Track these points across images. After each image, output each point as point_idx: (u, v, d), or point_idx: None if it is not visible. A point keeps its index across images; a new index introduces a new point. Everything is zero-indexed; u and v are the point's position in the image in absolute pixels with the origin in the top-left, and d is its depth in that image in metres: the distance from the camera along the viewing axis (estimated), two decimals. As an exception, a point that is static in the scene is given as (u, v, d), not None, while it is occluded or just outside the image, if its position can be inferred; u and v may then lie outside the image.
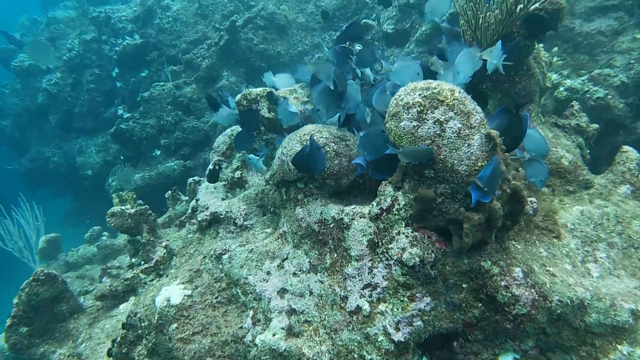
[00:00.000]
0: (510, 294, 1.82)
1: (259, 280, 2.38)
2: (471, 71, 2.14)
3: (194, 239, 3.03)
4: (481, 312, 1.88)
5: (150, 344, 2.31)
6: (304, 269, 2.26)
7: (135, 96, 7.75)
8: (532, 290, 1.83)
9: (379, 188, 2.07)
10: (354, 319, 1.96)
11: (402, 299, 1.90)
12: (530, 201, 2.11)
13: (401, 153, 1.83)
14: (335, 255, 2.15)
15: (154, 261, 2.93)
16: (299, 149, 2.20)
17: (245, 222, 2.85)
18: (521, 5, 2.44)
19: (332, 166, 2.26)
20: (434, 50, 2.92)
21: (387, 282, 1.93)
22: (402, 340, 1.85)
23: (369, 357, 1.87)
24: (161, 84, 7.05)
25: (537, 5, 2.52)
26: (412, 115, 1.83)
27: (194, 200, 3.46)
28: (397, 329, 1.87)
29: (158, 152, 7.01)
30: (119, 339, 2.39)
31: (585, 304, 1.86)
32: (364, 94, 3.06)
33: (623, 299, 1.92)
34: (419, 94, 1.84)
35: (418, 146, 1.82)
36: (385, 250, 1.96)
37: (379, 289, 1.94)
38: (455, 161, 1.78)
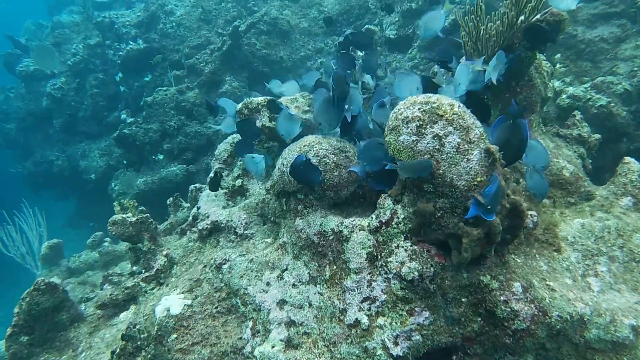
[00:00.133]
0: (509, 309, 1.81)
1: (258, 290, 2.38)
2: (467, 84, 2.14)
3: (194, 248, 3.04)
4: (480, 326, 1.88)
5: (149, 356, 2.32)
6: (304, 281, 2.27)
7: (138, 101, 7.80)
8: (532, 305, 1.83)
9: (379, 201, 2.07)
10: (352, 332, 1.96)
11: (400, 313, 1.89)
12: (530, 214, 2.10)
13: (400, 168, 1.83)
14: (335, 267, 2.15)
15: (154, 270, 2.94)
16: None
17: (245, 232, 2.85)
18: (522, 17, 2.44)
19: (331, 178, 2.26)
20: (435, 59, 2.94)
21: (386, 295, 1.93)
22: (401, 354, 1.85)
23: (368, 371, 1.87)
24: (164, 88, 7.09)
25: (538, 16, 2.52)
26: (411, 129, 1.83)
27: (195, 208, 3.47)
28: (396, 343, 1.86)
29: (161, 157, 7.04)
30: (118, 350, 2.40)
31: (585, 319, 1.85)
32: (365, 102, 3.07)
33: (624, 314, 1.91)
34: (418, 108, 1.85)
35: (417, 160, 1.82)
36: (384, 264, 1.96)
37: (377, 303, 1.94)
38: (454, 176, 1.78)
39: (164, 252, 3.00)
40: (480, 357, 1.92)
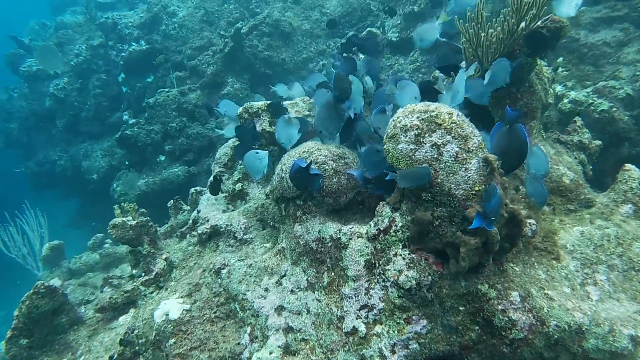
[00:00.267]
0: (507, 318, 1.81)
1: (257, 296, 2.38)
2: (464, 92, 2.14)
3: (194, 252, 3.05)
4: (478, 335, 1.87)
5: (147, 360, 2.33)
6: (302, 287, 2.27)
7: (141, 101, 7.82)
8: (530, 315, 1.82)
9: (377, 208, 2.07)
10: (350, 339, 1.96)
11: (398, 321, 1.89)
12: (529, 223, 2.09)
13: (399, 177, 1.83)
14: (333, 274, 2.15)
15: (154, 273, 2.95)
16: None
17: (245, 236, 2.86)
18: (523, 24, 2.43)
19: (330, 184, 2.26)
20: (435, 65, 2.94)
21: (383, 303, 1.93)
22: (398, 362, 1.85)
23: (365, 379, 1.87)
24: (166, 90, 7.10)
25: (539, 23, 2.52)
26: (409, 138, 1.83)
27: (195, 211, 3.48)
28: (393, 352, 1.86)
29: (162, 158, 7.06)
30: (116, 355, 2.41)
31: (583, 329, 1.84)
32: (366, 107, 3.06)
33: (622, 324, 1.90)
34: (417, 117, 1.85)
35: (416, 167, 1.82)
36: (382, 272, 1.96)
37: (375, 311, 1.94)
38: (452, 185, 1.77)
39: (164, 256, 3.01)
40: (477, 365, 1.91)
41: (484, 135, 1.97)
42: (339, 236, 2.13)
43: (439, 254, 1.92)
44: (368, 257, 2.02)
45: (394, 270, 1.91)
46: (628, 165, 2.63)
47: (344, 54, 5.72)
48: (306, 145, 2.41)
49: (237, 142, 3.25)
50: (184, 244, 3.23)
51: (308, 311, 2.17)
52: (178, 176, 6.74)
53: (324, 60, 7.91)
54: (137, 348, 2.39)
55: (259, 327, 2.29)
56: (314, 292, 2.20)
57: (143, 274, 3.03)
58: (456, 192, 1.77)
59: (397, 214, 1.99)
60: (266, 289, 2.39)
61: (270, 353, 2.11)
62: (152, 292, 2.91)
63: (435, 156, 1.79)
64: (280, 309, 2.27)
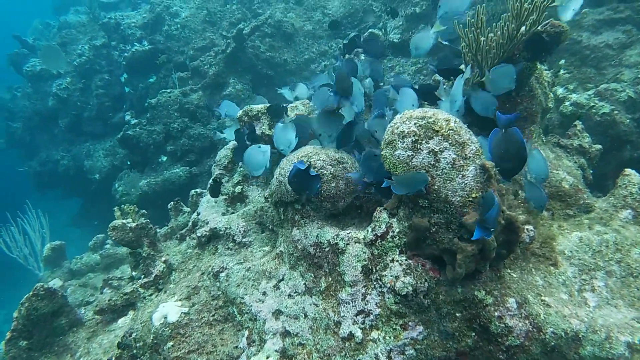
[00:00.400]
0: (503, 325, 1.81)
1: (254, 300, 2.39)
2: (462, 98, 2.15)
3: (193, 254, 3.06)
4: (475, 341, 1.87)
5: (145, 363, 2.34)
6: (300, 291, 2.27)
7: (143, 101, 7.84)
8: (526, 322, 1.82)
9: (374, 214, 2.07)
10: (346, 345, 1.96)
11: (394, 327, 1.90)
12: (527, 229, 2.09)
13: (396, 183, 1.83)
14: (330, 279, 2.16)
15: (153, 276, 2.97)
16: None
17: (243, 239, 2.87)
18: (523, 29, 2.42)
19: (328, 189, 2.26)
20: (436, 69, 2.93)
21: (380, 309, 1.93)
22: (394, 368, 1.85)
23: (361, 384, 1.87)
24: (168, 90, 7.12)
25: (539, 28, 2.51)
26: (407, 144, 1.83)
27: (195, 213, 3.49)
28: (389, 358, 1.86)
29: (164, 159, 7.08)
30: (113, 359, 2.42)
31: (580, 336, 1.84)
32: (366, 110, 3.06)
33: (619, 330, 1.89)
34: (415, 123, 1.84)
35: (412, 172, 1.82)
36: (379, 277, 1.96)
37: (371, 316, 1.94)
38: (449, 192, 1.77)
39: (163, 259, 3.03)
40: (474, 372, 1.91)
41: (485, 140, 1.96)
42: (336, 241, 2.14)
43: (436, 260, 1.92)
44: (365, 263, 2.02)
45: (391, 276, 1.91)
46: (628, 170, 2.62)
47: (346, 55, 5.72)
48: (305, 149, 2.42)
49: (237, 145, 3.26)
50: (183, 246, 3.24)
51: (305, 316, 2.18)
52: (180, 177, 6.76)
53: (326, 61, 7.91)
54: (134, 351, 2.40)
55: (257, 331, 2.30)
56: (311, 296, 2.21)
57: (142, 276, 3.04)
58: (453, 199, 1.77)
59: (395, 220, 1.99)
60: (264, 293, 2.40)
61: (268, 357, 2.11)
62: (151, 295, 2.92)
63: (432, 163, 1.79)
64: (277, 313, 2.27)
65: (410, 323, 1.89)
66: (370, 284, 1.99)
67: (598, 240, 2.25)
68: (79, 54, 8.83)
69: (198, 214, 3.34)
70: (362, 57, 5.54)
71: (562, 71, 4.71)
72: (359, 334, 1.94)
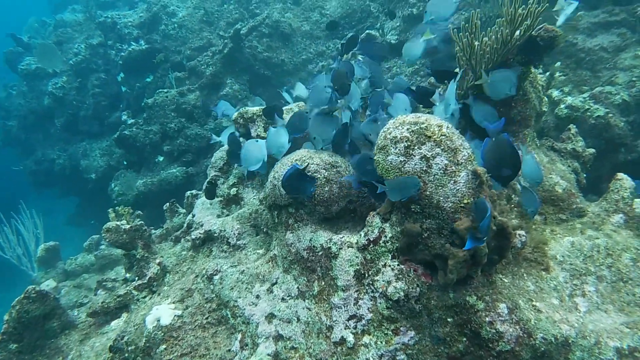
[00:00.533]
0: (494, 330, 1.82)
1: (248, 303, 2.40)
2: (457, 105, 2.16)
3: (187, 257, 3.06)
4: (466, 346, 1.88)
5: (138, 367, 2.34)
6: (293, 295, 2.28)
7: (140, 101, 7.82)
8: (517, 327, 1.83)
9: (367, 219, 2.08)
10: (338, 349, 1.97)
11: (386, 332, 1.90)
12: (519, 234, 2.10)
13: (388, 189, 1.83)
14: (323, 283, 2.16)
15: (147, 278, 2.96)
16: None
17: (238, 242, 2.87)
18: (518, 33, 2.43)
19: (322, 193, 2.27)
20: (431, 72, 2.94)
21: (372, 314, 1.94)
22: (386, 373, 1.86)
23: (353, 389, 1.88)
24: (165, 90, 7.11)
25: (533, 33, 2.52)
26: (399, 150, 1.83)
27: (190, 215, 3.49)
28: (381, 362, 1.87)
29: (161, 159, 7.07)
30: (106, 362, 2.43)
31: (570, 341, 1.85)
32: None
33: (609, 336, 1.91)
34: (407, 129, 1.85)
35: (405, 177, 1.82)
36: (371, 282, 1.97)
37: (363, 321, 1.95)
38: (441, 198, 1.78)
39: (157, 261, 3.02)
40: (465, 376, 1.92)
41: (480, 144, 1.97)
42: (329, 245, 2.14)
43: (428, 265, 1.93)
44: (358, 267, 2.03)
45: (383, 281, 1.92)
46: (620, 175, 2.64)
47: (344, 56, 5.71)
48: (299, 153, 2.42)
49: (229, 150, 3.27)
50: (177, 248, 3.24)
51: (298, 319, 2.18)
52: (176, 177, 6.75)
53: (323, 61, 7.90)
54: (126, 355, 2.40)
55: (250, 335, 2.30)
56: (304, 300, 2.21)
57: (136, 278, 3.04)
58: (445, 205, 1.78)
59: (387, 225, 1.99)
60: (257, 296, 2.40)
61: (260, 361, 2.12)
62: (145, 297, 2.92)
63: (424, 168, 1.80)
64: (270, 317, 2.28)
65: (401, 328, 1.90)
66: (363, 289, 2.00)
67: (589, 245, 2.26)
68: (75, 52, 8.79)
69: (193, 215, 3.34)
70: (360, 58, 5.55)
71: (557, 73, 4.72)
72: (350, 338, 1.95)
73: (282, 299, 2.30)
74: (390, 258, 1.95)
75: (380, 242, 1.98)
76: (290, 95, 3.56)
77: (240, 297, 2.45)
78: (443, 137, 1.81)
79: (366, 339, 1.92)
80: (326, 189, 2.27)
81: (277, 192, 2.39)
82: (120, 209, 3.54)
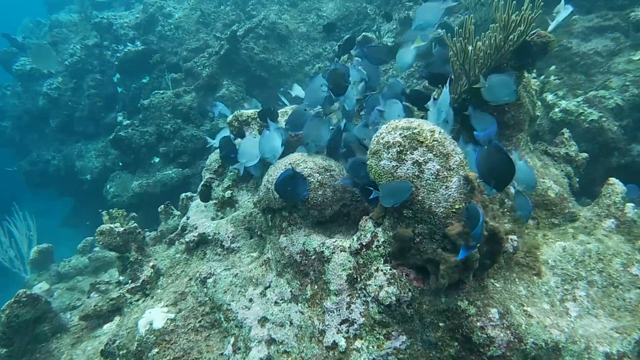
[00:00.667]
0: (485, 335, 1.83)
1: (241, 307, 2.39)
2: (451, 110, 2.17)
3: (181, 259, 3.05)
4: (457, 351, 1.89)
5: (129, 371, 2.33)
6: (286, 299, 2.28)
7: (136, 102, 7.79)
8: (508, 332, 1.84)
9: (360, 223, 2.08)
10: (330, 354, 1.97)
11: (378, 336, 1.91)
12: (511, 239, 2.11)
13: (381, 195, 1.84)
14: (316, 287, 2.16)
15: (140, 281, 2.95)
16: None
17: (232, 245, 2.87)
18: (512, 37, 2.44)
19: (315, 197, 2.27)
20: (425, 76, 2.95)
21: (364, 318, 1.94)
22: (377, 377, 1.86)
23: (344, 393, 1.88)
24: (161, 92, 7.09)
25: (526, 38, 2.53)
26: (391, 155, 1.84)
27: (185, 217, 3.48)
28: (373, 367, 1.87)
29: (157, 160, 7.05)
30: (97, 367, 2.41)
31: (560, 346, 1.86)
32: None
33: (599, 341, 1.92)
34: (400, 134, 1.86)
35: (397, 181, 1.82)
36: (363, 287, 1.97)
37: (355, 325, 1.95)
38: (433, 203, 1.79)
39: (151, 263, 3.02)
40: (456, 381, 1.93)
41: (474, 148, 1.98)
42: (322, 249, 2.14)
43: (420, 270, 1.94)
44: (350, 272, 2.03)
45: (375, 285, 1.92)
46: (612, 180, 2.65)
47: (341, 57, 5.71)
48: (292, 157, 2.42)
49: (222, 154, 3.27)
50: (172, 251, 3.23)
51: (291, 323, 2.18)
52: (172, 178, 6.73)
53: (320, 63, 7.91)
54: (117, 359, 2.39)
55: (242, 338, 2.30)
56: (297, 304, 2.21)
57: (130, 281, 3.03)
58: (437, 210, 1.79)
59: (380, 229, 2.00)
60: (250, 300, 2.40)
61: (253, 365, 2.11)
62: (138, 300, 2.91)
63: (416, 174, 1.80)
64: (263, 320, 2.28)
65: (393, 333, 1.90)
66: (355, 293, 2.00)
67: (581, 250, 2.28)
68: (70, 53, 8.75)
69: (187, 218, 3.33)
70: (356, 60, 5.56)
71: (552, 77, 4.75)
72: (342, 343, 1.95)
73: (275, 302, 2.29)
74: (382, 262, 1.96)
75: (373, 246, 1.99)
76: (287, 97, 3.56)
77: (233, 301, 2.44)
78: (435, 142, 1.82)
79: (358, 343, 1.92)
80: (320, 192, 2.27)
81: (270, 196, 2.39)
82: (114, 211, 3.53)
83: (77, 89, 8.73)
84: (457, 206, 1.78)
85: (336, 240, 2.15)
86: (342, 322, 1.99)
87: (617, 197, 2.54)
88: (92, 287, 3.58)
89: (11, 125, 10.00)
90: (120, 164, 7.38)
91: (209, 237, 2.96)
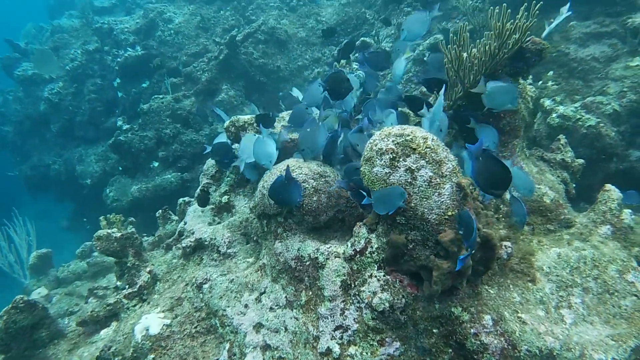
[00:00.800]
0: (479, 342, 1.82)
1: (236, 313, 2.39)
2: (441, 116, 2.19)
3: (178, 265, 3.06)
4: (451, 357, 1.88)
5: (125, 377, 2.33)
6: (281, 304, 2.28)
7: (136, 107, 7.83)
8: (502, 339, 1.84)
9: (354, 229, 2.09)
10: (324, 360, 1.97)
11: (371, 343, 1.91)
12: (505, 246, 2.11)
13: (376, 202, 1.84)
14: (311, 293, 2.17)
15: (137, 286, 2.96)
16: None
17: (228, 250, 2.87)
18: (506, 45, 2.45)
19: (310, 203, 2.28)
20: (422, 82, 2.97)
21: (357, 325, 1.94)
22: (371, 384, 1.86)
23: (338, 400, 1.88)
24: (160, 96, 7.12)
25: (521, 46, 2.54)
26: (384, 161, 1.85)
27: (182, 222, 3.49)
28: (366, 374, 1.87)
29: (156, 164, 7.07)
30: (92, 373, 2.41)
31: (554, 354, 1.86)
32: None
33: (594, 348, 1.91)
34: (392, 141, 1.87)
35: (390, 187, 1.83)
36: (357, 293, 1.97)
37: (349, 332, 1.95)
38: (426, 210, 1.79)
39: (148, 269, 3.02)
40: (451, 387, 1.92)
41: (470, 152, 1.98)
42: (316, 255, 2.15)
43: (414, 276, 1.94)
44: (344, 278, 2.04)
45: (369, 291, 1.93)
46: (608, 186, 2.65)
47: (340, 62, 5.71)
48: (287, 162, 2.43)
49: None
50: (169, 256, 3.24)
51: (286, 329, 2.18)
52: (171, 182, 6.75)
53: (319, 68, 7.94)
54: (113, 366, 2.40)
55: (238, 344, 2.30)
56: (292, 310, 2.22)
57: (127, 287, 3.03)
58: (429, 217, 1.79)
59: (374, 235, 2.00)
60: (246, 306, 2.40)
61: (247, 371, 2.11)
62: (135, 306, 2.91)
63: (409, 180, 1.81)
64: (258, 326, 2.28)
65: (387, 339, 1.90)
66: (349, 299, 2.00)
67: (576, 257, 2.27)
68: (71, 58, 8.81)
69: (185, 223, 3.34)
70: (354, 66, 5.58)
71: (550, 82, 4.76)
72: (336, 349, 1.95)
73: (270, 308, 2.30)
74: (376, 269, 1.96)
75: (367, 252, 1.99)
76: (288, 101, 3.57)
77: (229, 306, 2.45)
78: (428, 149, 1.83)
79: (352, 349, 1.92)
80: (314, 198, 2.28)
81: (266, 201, 2.40)
82: (112, 216, 3.53)
83: (77, 93, 8.78)
84: (449, 213, 1.79)
85: (330, 246, 2.15)
86: (336, 328, 1.99)
87: (613, 203, 2.54)
88: (90, 293, 3.59)
89: (13, 130, 10.05)
90: (120, 168, 7.41)
91: (206, 243, 2.96)
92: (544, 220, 2.59)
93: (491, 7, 2.52)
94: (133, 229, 3.24)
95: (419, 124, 2.67)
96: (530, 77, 4.01)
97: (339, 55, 5.42)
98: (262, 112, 3.15)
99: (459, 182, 1.81)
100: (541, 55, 2.58)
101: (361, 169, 1.96)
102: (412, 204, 1.81)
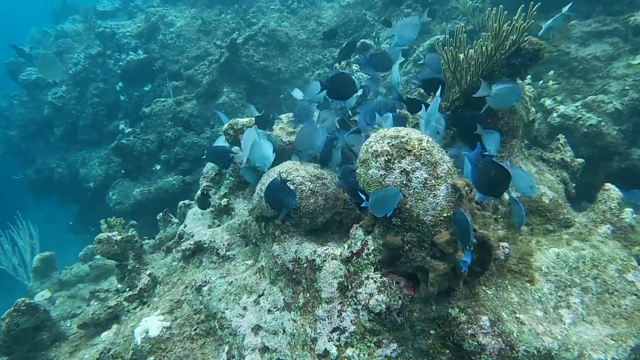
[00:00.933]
0: (476, 343, 1.82)
1: (235, 315, 2.40)
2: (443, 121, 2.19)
3: (178, 267, 3.07)
4: (449, 358, 1.88)
5: (125, 380, 2.35)
6: (279, 307, 2.29)
7: (138, 110, 7.88)
8: (499, 340, 1.83)
9: (351, 231, 2.09)
10: (322, 362, 1.97)
11: (368, 344, 1.91)
12: (502, 246, 2.11)
13: (371, 204, 1.84)
14: (308, 295, 2.17)
15: (138, 289, 2.98)
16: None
17: (227, 253, 2.88)
18: (505, 44, 2.45)
19: (307, 205, 2.28)
20: (420, 84, 2.97)
21: (354, 326, 1.95)
22: (368, 386, 1.86)
23: (336, 402, 1.88)
24: (162, 99, 7.16)
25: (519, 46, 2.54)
26: (379, 163, 1.85)
27: (182, 225, 3.51)
28: (364, 375, 1.87)
29: (158, 167, 7.10)
30: (92, 376, 2.43)
31: (553, 354, 1.85)
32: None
33: (593, 348, 1.90)
34: (387, 143, 1.87)
35: (385, 189, 1.83)
36: (354, 294, 1.98)
37: (347, 334, 1.96)
38: (421, 211, 1.79)
39: (148, 272, 3.04)
40: (448, 389, 1.92)
41: (469, 153, 1.98)
42: (313, 258, 2.15)
43: (411, 278, 1.94)
44: (341, 280, 2.04)
45: (366, 293, 1.93)
46: (608, 185, 2.64)
47: (342, 62, 5.71)
48: (285, 165, 2.44)
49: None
50: (169, 259, 3.26)
51: (284, 331, 2.19)
52: (173, 185, 6.79)
53: (320, 69, 7.96)
54: (112, 368, 2.42)
55: (236, 347, 2.31)
56: (290, 312, 2.22)
57: (127, 290, 3.05)
58: (425, 218, 1.79)
59: (370, 237, 2.01)
60: (245, 308, 2.41)
61: (246, 373, 2.12)
62: (135, 308, 2.93)
63: (404, 182, 1.81)
64: (257, 329, 2.28)
65: (384, 341, 1.90)
66: (346, 301, 2.00)
67: (575, 257, 2.26)
68: (74, 62, 8.88)
69: (185, 226, 3.36)
70: (354, 67, 5.59)
71: (551, 82, 4.75)
72: (334, 351, 1.95)
73: (269, 310, 2.30)
74: (372, 270, 1.96)
75: (363, 254, 1.99)
76: (289, 102, 3.60)
77: (228, 309, 2.46)
78: (423, 151, 1.83)
79: (349, 351, 1.93)
80: (311, 201, 2.29)
81: (263, 204, 2.41)
82: (112, 219, 3.56)
83: (80, 97, 8.85)
84: (445, 214, 1.79)
85: (327, 249, 2.16)
86: (334, 330, 1.99)
87: (613, 202, 2.53)
88: (91, 295, 3.61)
89: (17, 134, 10.14)
90: (122, 171, 7.45)
91: (205, 245, 2.97)
92: (543, 220, 2.58)
93: (489, 8, 2.52)
94: (134, 232, 3.26)
95: (417, 126, 2.67)
96: (529, 76, 4.00)
97: (339, 57, 5.43)
98: (260, 114, 3.16)
99: (454, 183, 1.81)
100: (538, 56, 2.58)
101: (357, 170, 1.96)
102: (408, 206, 1.81)
